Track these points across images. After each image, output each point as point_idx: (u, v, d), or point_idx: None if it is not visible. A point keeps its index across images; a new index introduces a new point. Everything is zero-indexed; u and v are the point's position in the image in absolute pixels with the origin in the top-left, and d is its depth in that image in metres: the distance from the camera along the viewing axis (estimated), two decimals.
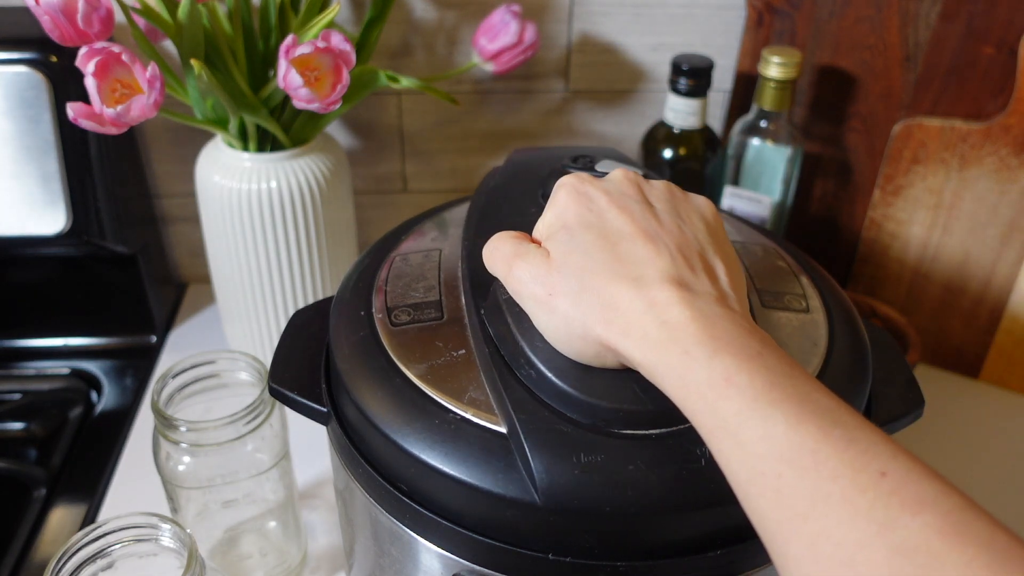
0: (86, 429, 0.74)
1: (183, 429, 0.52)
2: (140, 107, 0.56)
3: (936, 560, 0.25)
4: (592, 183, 0.40)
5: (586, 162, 0.51)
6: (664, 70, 0.84)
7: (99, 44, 0.56)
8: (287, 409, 0.49)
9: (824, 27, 0.77)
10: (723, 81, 0.84)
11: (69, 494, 0.67)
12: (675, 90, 0.75)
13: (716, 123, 0.86)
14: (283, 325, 0.66)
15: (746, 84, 0.82)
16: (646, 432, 0.36)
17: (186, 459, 0.54)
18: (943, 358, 0.83)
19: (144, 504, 0.56)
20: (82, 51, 0.56)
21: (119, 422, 0.74)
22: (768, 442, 0.29)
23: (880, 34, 0.75)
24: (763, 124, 0.76)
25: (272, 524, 0.60)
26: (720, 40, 0.82)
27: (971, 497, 0.27)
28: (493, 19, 0.73)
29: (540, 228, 0.40)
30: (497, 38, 0.73)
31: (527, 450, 0.35)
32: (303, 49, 0.59)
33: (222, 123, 0.67)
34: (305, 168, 0.69)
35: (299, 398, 0.45)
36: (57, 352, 0.82)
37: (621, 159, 0.52)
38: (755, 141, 0.76)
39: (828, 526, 0.27)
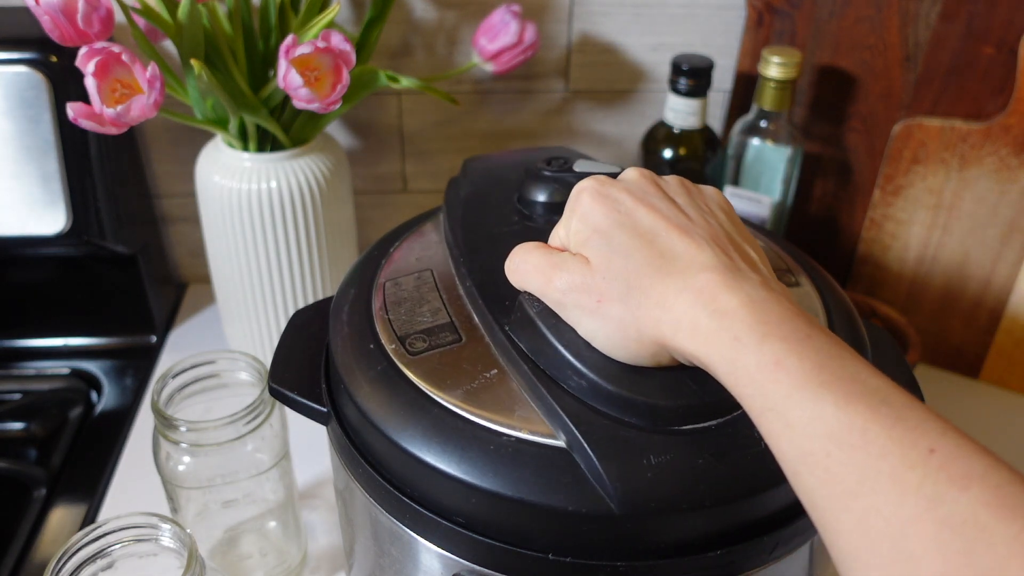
0: (86, 429, 0.74)
1: (183, 429, 0.52)
2: (140, 107, 0.56)
3: (984, 533, 0.25)
4: (613, 184, 0.39)
5: (561, 163, 0.50)
6: (664, 70, 0.84)
7: (99, 44, 0.56)
8: (287, 409, 0.49)
9: (824, 27, 0.77)
10: (723, 81, 0.84)
11: (69, 494, 0.67)
12: (675, 90, 0.75)
13: (716, 123, 0.86)
14: (283, 325, 0.66)
15: (746, 84, 0.82)
16: (706, 424, 0.37)
17: (186, 459, 0.54)
18: (943, 358, 0.83)
19: (144, 504, 0.56)
20: (82, 51, 0.56)
21: (119, 422, 0.74)
22: (817, 422, 0.29)
23: (880, 34, 0.75)
24: (763, 124, 0.76)
25: (272, 524, 0.60)
26: (720, 40, 0.82)
27: (1021, 472, 0.27)
28: (493, 19, 0.73)
29: (561, 235, 0.40)
30: (497, 38, 0.73)
31: (595, 461, 0.35)
32: (303, 49, 0.59)
33: (222, 123, 0.67)
34: (305, 168, 0.69)
35: (299, 398, 0.45)
36: (57, 352, 0.82)
37: (586, 158, 0.52)
38: (755, 141, 0.76)
39: (877, 502, 0.27)
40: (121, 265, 0.80)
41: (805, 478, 0.30)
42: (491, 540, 0.37)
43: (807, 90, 0.80)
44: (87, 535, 0.43)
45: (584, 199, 0.39)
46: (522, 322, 0.40)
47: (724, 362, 0.33)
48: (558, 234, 0.41)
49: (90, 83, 0.56)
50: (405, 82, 0.68)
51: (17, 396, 0.78)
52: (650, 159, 0.79)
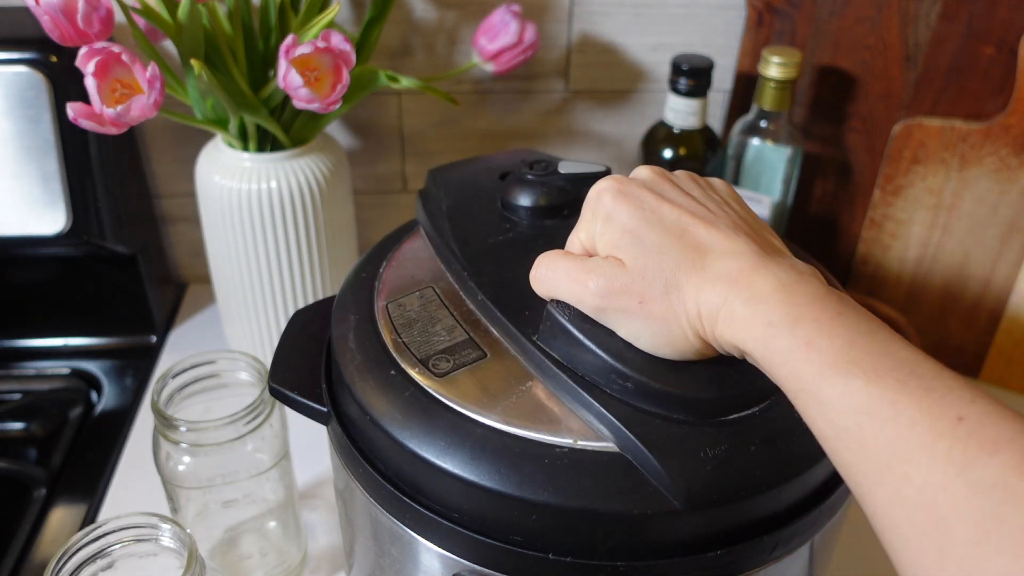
0: (86, 429, 0.74)
1: (183, 429, 0.52)
2: (140, 107, 0.56)
3: (1013, 495, 0.26)
4: (630, 183, 0.39)
5: (544, 166, 0.50)
6: (664, 70, 0.84)
7: (99, 44, 0.56)
8: (287, 409, 0.49)
9: (824, 27, 0.77)
10: (723, 81, 0.84)
11: (69, 494, 0.67)
12: (675, 90, 0.75)
13: (716, 123, 0.86)
14: (283, 325, 0.66)
15: (746, 84, 0.82)
16: (751, 412, 0.37)
17: (186, 459, 0.54)
18: (943, 358, 0.82)
19: (144, 504, 0.56)
20: (82, 51, 0.56)
21: (119, 422, 0.74)
22: (848, 398, 0.30)
23: (880, 34, 0.75)
24: (763, 124, 0.76)
25: (272, 524, 0.60)
26: (720, 40, 0.82)
27: None
28: (493, 19, 0.73)
29: (583, 238, 0.40)
30: (497, 38, 0.73)
31: (655, 461, 0.35)
32: (303, 49, 0.59)
33: (222, 123, 0.67)
34: (305, 168, 0.69)
35: (299, 398, 0.45)
36: (57, 352, 0.82)
37: (556, 158, 0.52)
38: (755, 141, 0.76)
39: (910, 472, 0.28)
40: (121, 265, 0.80)
41: (842, 454, 0.31)
42: (491, 540, 0.37)
43: (807, 90, 0.80)
44: (87, 535, 0.43)
45: (606, 200, 0.39)
46: (553, 331, 0.39)
47: (759, 347, 0.33)
48: (578, 238, 0.41)
49: (90, 83, 0.56)
50: (405, 82, 0.68)
51: (17, 396, 0.78)
52: (650, 159, 0.79)
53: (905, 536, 0.28)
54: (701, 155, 0.78)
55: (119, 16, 0.65)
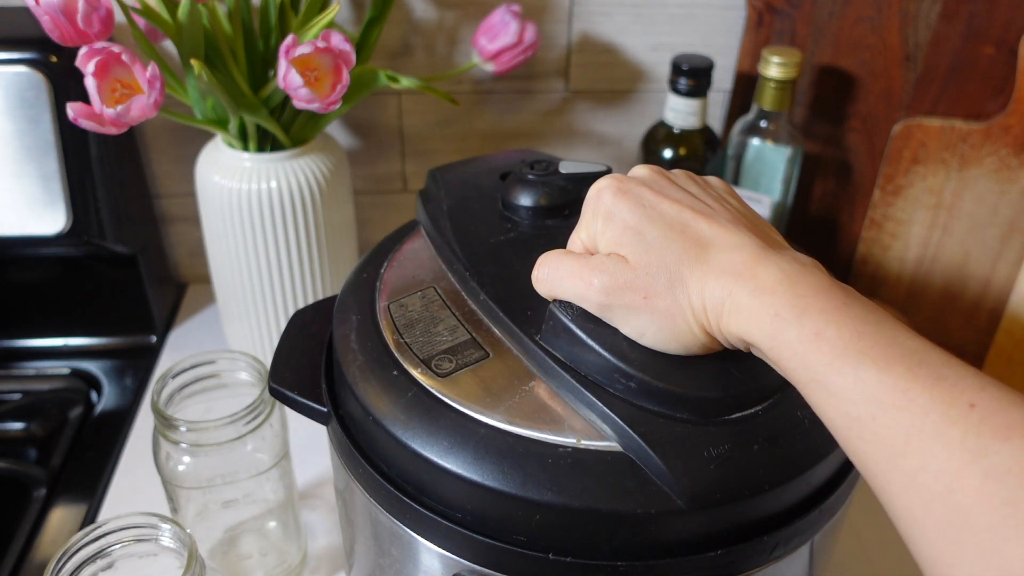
0: (86, 429, 0.74)
1: (183, 429, 0.52)
2: (140, 107, 0.56)
3: None
4: (630, 181, 0.40)
5: (544, 166, 0.50)
6: (664, 70, 0.84)
7: (99, 44, 0.56)
8: (287, 409, 0.49)
9: (824, 27, 0.77)
10: (723, 81, 0.84)
11: (69, 494, 0.67)
12: (675, 90, 0.75)
13: (716, 123, 0.86)
14: (283, 325, 0.66)
15: (746, 84, 0.82)
16: (754, 410, 0.37)
17: (186, 459, 0.54)
18: None
19: (144, 504, 0.56)
20: (82, 51, 0.56)
21: (119, 422, 0.74)
22: (860, 388, 0.30)
23: (880, 34, 0.75)
24: (763, 124, 0.76)
25: (272, 524, 0.60)
26: (720, 40, 0.82)
27: None
28: (493, 19, 0.73)
29: (584, 238, 0.40)
30: (497, 38, 0.73)
31: (658, 461, 0.35)
32: (303, 49, 0.59)
33: (222, 123, 0.67)
34: (305, 168, 0.69)
35: (299, 398, 0.45)
36: (57, 352, 0.82)
37: (555, 158, 0.52)
38: (755, 141, 0.76)
39: (924, 460, 0.28)
40: (121, 265, 0.80)
41: (855, 443, 0.31)
42: (491, 540, 0.37)
43: (807, 90, 0.80)
44: (87, 535, 0.43)
45: (606, 198, 0.39)
46: (556, 331, 0.39)
47: (767, 338, 0.33)
48: (580, 237, 0.41)
49: (90, 83, 0.56)
50: (405, 82, 0.68)
51: (17, 396, 0.78)
52: (650, 159, 0.79)
53: (922, 523, 0.28)
54: (701, 155, 0.78)
55: (119, 16, 0.65)
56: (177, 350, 0.82)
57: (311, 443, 0.67)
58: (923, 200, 0.77)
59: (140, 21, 0.63)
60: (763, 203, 0.78)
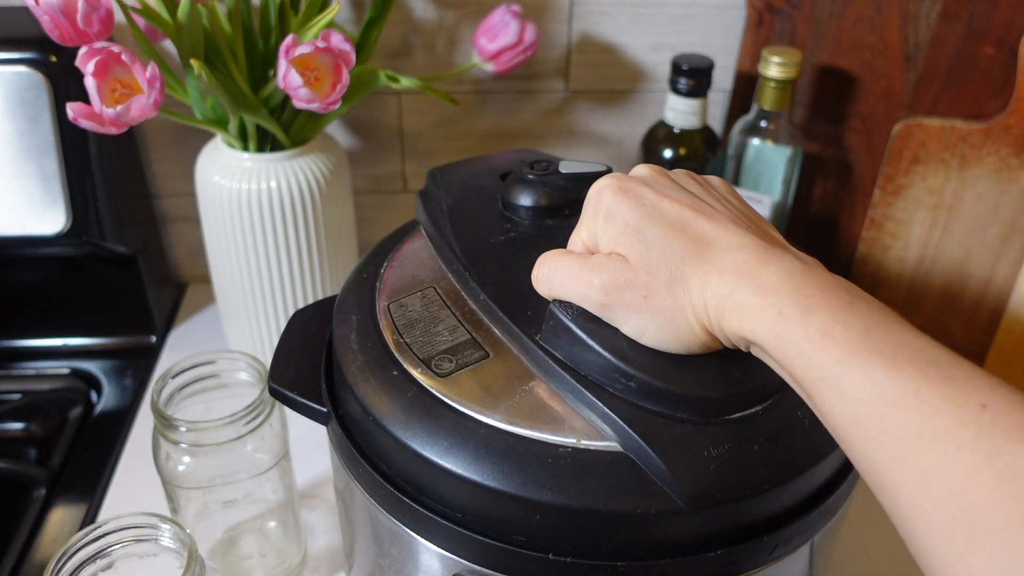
0: (86, 429, 0.74)
1: (183, 429, 0.52)
2: (140, 107, 0.56)
3: None
4: (631, 180, 0.40)
5: (544, 166, 0.50)
6: (664, 70, 0.84)
7: (99, 44, 0.56)
8: (287, 409, 0.49)
9: (824, 27, 0.77)
10: (723, 81, 0.84)
11: (69, 494, 0.67)
12: (675, 90, 0.75)
13: (716, 123, 0.86)
14: (283, 325, 0.66)
15: (746, 84, 0.82)
16: (754, 410, 0.37)
17: (186, 459, 0.54)
18: None
19: (144, 504, 0.56)
20: (82, 51, 0.56)
21: (119, 422, 0.74)
22: (869, 387, 0.30)
23: (880, 34, 0.75)
24: (763, 124, 0.76)
25: (272, 524, 0.60)
26: (720, 40, 0.82)
27: None
28: (493, 19, 0.73)
29: (584, 237, 0.40)
30: (497, 38, 0.73)
31: (659, 461, 0.35)
32: (303, 49, 0.59)
33: (222, 123, 0.67)
34: (305, 168, 0.69)
35: (299, 398, 0.45)
36: (57, 352, 0.82)
37: (554, 158, 0.52)
38: (755, 141, 0.76)
39: (936, 461, 0.28)
40: (121, 265, 0.80)
41: (861, 442, 0.31)
42: (491, 540, 0.37)
43: (807, 90, 0.80)
44: (87, 535, 0.43)
45: (607, 197, 0.39)
46: (556, 330, 0.39)
47: (771, 337, 0.33)
48: (580, 237, 0.41)
49: (90, 83, 0.56)
50: (405, 82, 0.68)
51: (17, 396, 0.78)
52: (650, 159, 0.79)
53: (931, 523, 0.28)
54: (701, 155, 0.78)
55: (119, 16, 0.65)
56: (177, 350, 0.82)
57: (311, 443, 0.67)
58: (923, 200, 0.77)
59: (140, 21, 0.63)
60: (763, 203, 0.78)
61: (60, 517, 0.65)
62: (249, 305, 0.73)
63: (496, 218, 0.49)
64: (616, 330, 0.38)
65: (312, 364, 0.47)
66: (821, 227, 0.85)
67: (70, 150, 0.70)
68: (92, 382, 0.79)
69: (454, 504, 0.38)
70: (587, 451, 0.36)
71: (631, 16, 0.81)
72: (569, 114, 0.86)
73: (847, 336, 0.31)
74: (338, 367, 0.44)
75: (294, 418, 0.51)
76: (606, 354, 0.38)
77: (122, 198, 0.76)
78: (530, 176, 0.50)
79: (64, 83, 0.68)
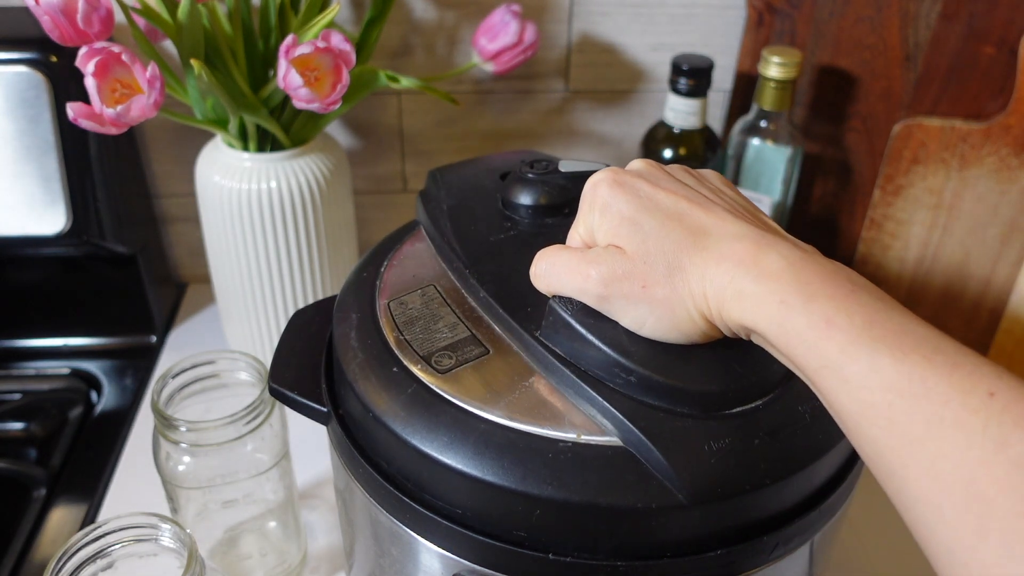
0: (86, 429, 0.74)
1: (183, 429, 0.52)
2: (140, 107, 0.56)
3: None
4: (625, 173, 0.40)
5: (544, 165, 0.50)
6: (664, 70, 0.84)
7: (99, 44, 0.56)
8: (287, 409, 0.49)
9: (824, 27, 0.77)
10: (723, 81, 0.84)
11: (69, 494, 0.67)
12: (675, 90, 0.75)
13: (716, 123, 0.86)
14: (283, 325, 0.66)
15: (746, 84, 0.82)
16: (754, 405, 0.37)
17: (186, 459, 0.54)
18: None
19: (144, 504, 0.56)
20: (82, 51, 0.56)
21: (119, 422, 0.74)
22: (875, 375, 0.30)
23: (880, 34, 0.75)
24: (763, 124, 0.76)
25: (272, 524, 0.60)
26: (720, 40, 0.82)
27: None
28: (493, 19, 0.73)
29: (581, 232, 0.40)
30: (497, 38, 0.73)
31: (659, 455, 0.35)
32: (303, 49, 0.59)
33: (222, 123, 0.67)
34: (305, 168, 0.69)
35: (299, 398, 0.45)
36: (57, 352, 0.82)
37: (555, 158, 0.52)
38: (755, 141, 0.76)
39: (944, 448, 0.28)
40: (121, 265, 0.80)
41: (868, 430, 0.30)
42: (491, 540, 0.37)
43: (807, 90, 0.80)
44: (87, 535, 0.43)
45: (602, 190, 0.39)
46: (555, 326, 0.39)
47: (773, 325, 0.33)
48: (577, 232, 0.41)
49: (90, 83, 0.56)
50: (405, 82, 0.68)
51: (17, 396, 0.78)
52: (650, 159, 0.79)
53: (940, 510, 0.28)
54: (701, 155, 0.78)
55: (119, 16, 0.65)
56: (177, 350, 0.82)
57: (311, 443, 0.67)
58: (923, 200, 0.77)
59: (140, 21, 0.63)
60: (763, 203, 0.78)
61: (60, 517, 0.65)
62: (249, 305, 0.73)
63: (496, 217, 0.50)
64: (616, 325, 0.38)
65: (312, 364, 0.47)
66: (821, 227, 0.85)
67: (70, 150, 0.70)
68: (92, 382, 0.79)
69: (454, 501, 0.38)
70: (587, 446, 0.36)
71: (631, 16, 0.81)
72: (569, 114, 0.86)
73: (851, 324, 0.31)
74: (338, 365, 0.44)
75: (294, 418, 0.51)
76: (606, 349, 0.38)
77: (122, 198, 0.76)
78: (530, 175, 0.50)
79: (64, 83, 0.68)
